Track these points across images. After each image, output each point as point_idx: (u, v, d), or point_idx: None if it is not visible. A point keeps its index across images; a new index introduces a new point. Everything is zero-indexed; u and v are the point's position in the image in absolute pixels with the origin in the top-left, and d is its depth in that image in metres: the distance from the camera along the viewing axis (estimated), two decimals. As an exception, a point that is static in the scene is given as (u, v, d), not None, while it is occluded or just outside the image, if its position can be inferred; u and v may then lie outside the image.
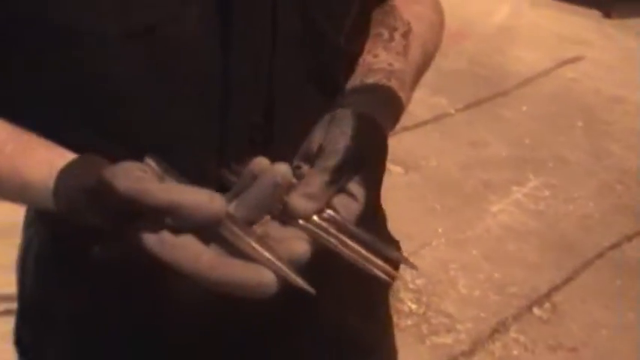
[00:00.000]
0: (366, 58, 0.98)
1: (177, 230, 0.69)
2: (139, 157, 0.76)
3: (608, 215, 3.56)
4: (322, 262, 0.73)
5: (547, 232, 3.42)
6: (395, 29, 1.02)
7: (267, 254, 0.68)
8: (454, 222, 3.45)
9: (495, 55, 5.26)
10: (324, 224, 0.75)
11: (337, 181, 0.78)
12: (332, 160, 0.79)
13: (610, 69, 5.13)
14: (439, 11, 1.14)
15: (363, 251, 0.75)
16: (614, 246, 3.34)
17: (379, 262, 0.74)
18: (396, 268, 0.77)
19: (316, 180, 0.77)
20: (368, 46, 1.00)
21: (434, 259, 3.21)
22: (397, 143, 4.04)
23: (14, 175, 0.82)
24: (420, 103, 4.44)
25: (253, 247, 0.68)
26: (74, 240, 0.86)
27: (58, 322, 1.01)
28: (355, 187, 0.79)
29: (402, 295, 3.00)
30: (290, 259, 0.69)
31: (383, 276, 0.74)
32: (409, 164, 3.88)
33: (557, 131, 4.29)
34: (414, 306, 2.94)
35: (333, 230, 0.75)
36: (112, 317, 0.95)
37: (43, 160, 0.80)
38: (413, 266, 0.79)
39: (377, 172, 0.83)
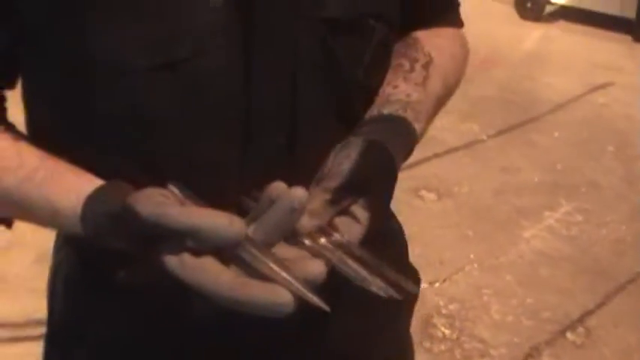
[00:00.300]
0: (386, 89, 1.00)
1: (197, 252, 0.71)
2: (163, 184, 0.79)
3: (640, 240, 3.57)
4: (333, 286, 0.74)
5: (580, 257, 3.43)
6: (416, 60, 1.05)
7: (284, 274, 0.70)
8: (487, 248, 3.47)
9: (525, 82, 5.29)
10: (329, 245, 0.77)
11: (339, 201, 0.80)
12: (334, 181, 0.82)
13: (641, 93, 5.14)
14: (462, 44, 1.17)
15: (364, 272, 0.76)
16: (648, 270, 3.35)
17: (379, 281, 0.76)
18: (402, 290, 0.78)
19: (318, 198, 0.80)
20: (389, 77, 1.03)
21: (467, 284, 3.23)
22: (430, 170, 4.07)
23: (45, 202, 0.85)
24: (451, 130, 4.48)
25: (271, 268, 0.70)
26: (101, 264, 0.89)
27: (85, 346, 1.03)
28: (359, 210, 0.81)
29: (436, 320, 3.02)
30: (306, 278, 0.71)
31: (382, 294, 0.75)
32: (442, 191, 3.91)
33: (589, 156, 4.30)
34: (447, 331, 2.96)
35: (337, 251, 0.77)
36: (138, 341, 0.98)
37: (72, 187, 0.84)
38: (408, 292, 0.78)
39: (383, 197, 0.86)
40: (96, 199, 0.81)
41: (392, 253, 1.12)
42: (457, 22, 1.18)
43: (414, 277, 1.22)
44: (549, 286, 3.23)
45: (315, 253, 0.76)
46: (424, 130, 1.00)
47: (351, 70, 0.95)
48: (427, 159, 4.19)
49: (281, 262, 0.72)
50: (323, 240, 0.77)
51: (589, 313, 3.08)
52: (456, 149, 4.33)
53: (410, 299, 1.23)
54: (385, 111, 0.96)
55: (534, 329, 2.99)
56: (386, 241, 1.12)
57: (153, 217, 0.72)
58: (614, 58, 5.71)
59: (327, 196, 0.81)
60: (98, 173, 0.85)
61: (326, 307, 0.70)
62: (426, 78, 1.03)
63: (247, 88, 0.89)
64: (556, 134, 4.56)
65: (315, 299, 0.70)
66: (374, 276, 0.76)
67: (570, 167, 4.17)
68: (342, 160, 0.85)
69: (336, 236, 0.78)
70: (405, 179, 4.19)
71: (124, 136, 0.88)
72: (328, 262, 0.75)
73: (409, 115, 0.96)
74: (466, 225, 3.65)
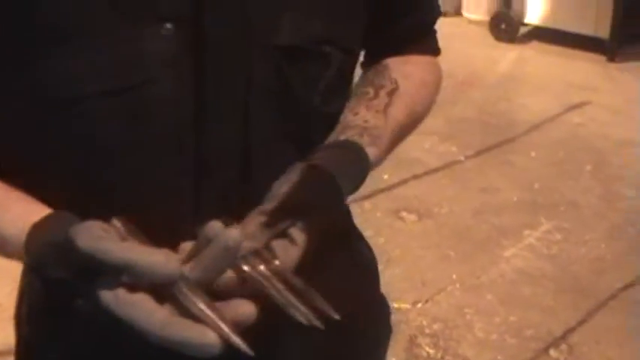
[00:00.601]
0: (347, 116, 1.01)
1: (133, 288, 0.72)
2: (115, 213, 0.80)
3: (620, 257, 3.60)
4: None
5: (560, 275, 3.46)
6: (381, 87, 1.06)
7: (213, 316, 0.72)
8: (468, 267, 3.50)
9: (502, 103, 5.33)
10: (265, 272, 0.78)
11: (274, 223, 0.82)
12: (270, 204, 0.83)
13: (616, 113, 5.19)
14: (433, 71, 1.17)
15: (293, 299, 0.77)
16: (627, 287, 3.37)
17: (303, 309, 0.77)
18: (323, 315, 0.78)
19: (254, 221, 0.82)
20: (352, 104, 1.04)
21: (450, 304, 3.25)
22: (410, 191, 4.10)
23: None
24: (430, 151, 4.52)
25: (201, 309, 0.72)
26: (61, 291, 0.88)
27: None
28: (296, 232, 0.82)
29: (420, 340, 3.04)
30: (236, 320, 0.72)
31: (305, 322, 0.77)
32: (422, 212, 3.93)
33: (567, 176, 4.34)
34: (431, 351, 2.98)
35: (272, 277, 0.78)
36: None
37: (20, 215, 0.84)
38: (331, 316, 0.79)
39: (322, 220, 0.86)
40: (40, 228, 0.81)
41: (363, 283, 1.16)
42: (432, 50, 1.18)
43: (383, 308, 1.22)
44: (531, 305, 3.25)
45: (251, 280, 0.77)
46: (383, 154, 1.01)
47: (307, 97, 0.96)
48: (406, 180, 4.21)
49: (211, 304, 0.73)
50: (261, 267, 0.78)
51: (571, 330, 3.11)
52: (435, 170, 4.36)
53: (386, 331, 1.23)
54: (342, 137, 0.97)
55: (518, 347, 3.01)
56: (356, 271, 1.15)
57: (90, 250, 0.72)
58: (589, 78, 5.77)
59: (263, 219, 0.82)
60: (51, 201, 0.85)
61: (250, 352, 0.71)
62: (387, 105, 1.04)
63: (199, 118, 0.89)
64: (533, 154, 4.60)
65: (239, 342, 0.71)
66: (300, 303, 0.77)
67: (548, 187, 4.21)
68: (281, 185, 0.86)
69: (273, 262, 0.79)
70: (385, 201, 4.23)
71: (76, 164, 0.88)
72: (261, 291, 0.76)
73: (365, 141, 0.97)
74: (447, 245, 3.67)
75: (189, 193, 0.91)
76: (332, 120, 1.01)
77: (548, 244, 3.69)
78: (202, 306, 0.72)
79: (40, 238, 0.80)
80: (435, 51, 1.18)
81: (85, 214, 0.80)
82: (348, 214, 1.15)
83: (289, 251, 0.81)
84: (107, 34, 0.83)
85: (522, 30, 6.54)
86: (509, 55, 6.23)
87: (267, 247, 0.81)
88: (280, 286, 0.78)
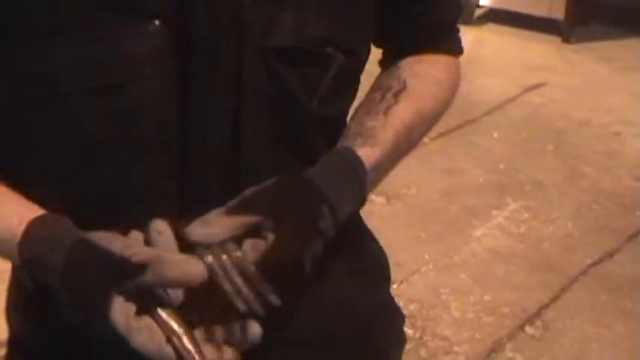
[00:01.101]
0: (349, 124, 0.98)
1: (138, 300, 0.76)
2: (98, 213, 0.84)
3: (587, 234, 3.67)
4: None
5: (531, 253, 3.53)
6: (389, 89, 1.02)
7: (190, 348, 0.76)
8: (440, 248, 3.54)
9: (462, 84, 5.32)
10: (227, 262, 0.80)
11: (234, 213, 0.82)
12: (234, 201, 0.84)
13: (573, 93, 5.27)
14: (450, 70, 1.12)
15: (241, 285, 0.80)
16: (597, 263, 3.45)
17: (247, 296, 0.80)
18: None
19: (213, 212, 0.83)
20: (358, 110, 1.01)
21: (425, 285, 3.29)
22: (378, 174, 4.12)
23: None
24: (395, 134, 4.55)
25: (183, 345, 0.77)
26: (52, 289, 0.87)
27: None
28: (266, 230, 0.82)
29: (399, 320, 3.07)
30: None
31: (244, 309, 0.80)
32: (390, 194, 3.96)
33: (530, 155, 4.41)
34: (410, 331, 3.01)
35: (233, 269, 0.80)
36: None
37: (13, 212, 0.84)
38: (273, 302, 0.81)
39: (296, 222, 0.84)
40: (39, 224, 0.82)
41: (368, 291, 1.11)
42: (452, 49, 1.13)
43: (391, 316, 1.18)
44: (505, 283, 3.31)
45: (208, 269, 0.80)
46: (382, 155, 0.96)
47: (305, 102, 0.92)
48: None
49: (188, 332, 0.77)
50: (224, 257, 0.80)
51: (545, 306, 3.17)
52: (400, 153, 4.39)
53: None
54: (338, 145, 0.95)
55: (494, 325, 3.06)
56: (360, 279, 1.10)
57: (126, 253, 0.76)
58: (545, 59, 5.85)
59: (223, 210, 0.83)
60: (36, 199, 0.86)
61: None
62: (390, 106, 1.00)
63: (184, 120, 0.86)
64: (495, 135, 4.66)
65: None
66: (248, 292, 0.80)
67: (513, 167, 4.27)
68: (254, 188, 0.86)
69: (235, 254, 0.81)
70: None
71: (59, 162, 0.87)
72: (214, 275, 0.80)
73: (357, 143, 0.94)
74: (417, 226, 3.71)
75: (174, 195, 0.89)
76: (331, 124, 0.98)
77: (516, 223, 3.75)
78: (187, 344, 0.77)
79: (38, 235, 0.81)
80: (455, 50, 1.14)
81: (68, 213, 0.82)
82: (351, 220, 1.12)
83: (257, 245, 0.81)
84: (90, 29, 0.82)
85: (477, 12, 6.59)
86: (465, 37, 6.12)
87: (239, 243, 0.82)
88: (235, 275, 0.80)
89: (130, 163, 0.87)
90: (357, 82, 1.02)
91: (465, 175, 4.19)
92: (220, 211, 0.83)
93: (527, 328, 3.06)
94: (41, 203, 0.85)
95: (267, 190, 0.85)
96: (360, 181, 0.91)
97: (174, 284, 0.77)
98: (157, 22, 0.83)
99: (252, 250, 0.81)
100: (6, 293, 1.07)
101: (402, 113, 1.00)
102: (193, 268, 0.77)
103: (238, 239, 0.82)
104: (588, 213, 3.85)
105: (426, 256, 3.48)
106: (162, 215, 0.84)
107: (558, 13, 6.11)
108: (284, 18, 0.88)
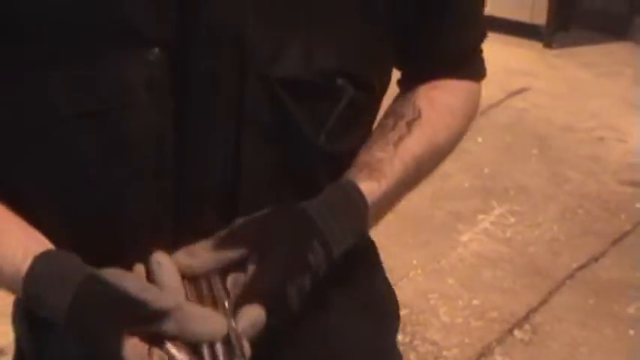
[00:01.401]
0: (360, 153, 0.95)
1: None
2: (92, 242, 0.83)
3: (572, 238, 3.69)
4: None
5: (517, 257, 3.54)
6: (402, 117, 0.98)
7: None
8: (428, 253, 3.55)
9: (445, 90, 5.38)
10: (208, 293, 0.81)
11: (221, 246, 0.82)
12: (223, 231, 0.84)
13: (556, 98, 5.29)
14: (467, 98, 1.07)
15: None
16: (583, 267, 3.47)
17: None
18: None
19: (200, 244, 0.83)
20: (371, 137, 0.97)
21: (413, 290, 3.30)
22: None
23: None
24: (380, 140, 4.55)
25: None
26: None
27: None
28: (250, 264, 0.82)
29: (389, 326, 3.08)
30: None
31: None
32: (377, 200, 3.96)
33: (515, 160, 4.43)
34: (400, 336, 3.01)
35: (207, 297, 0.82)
36: None
37: (19, 243, 0.83)
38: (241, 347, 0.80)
39: (283, 255, 0.82)
40: (46, 260, 0.81)
41: (370, 327, 1.10)
42: (473, 75, 1.08)
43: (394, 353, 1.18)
44: (492, 287, 3.33)
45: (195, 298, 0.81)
46: (388, 188, 0.93)
47: (311, 136, 0.88)
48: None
49: None
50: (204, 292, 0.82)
51: (533, 310, 3.19)
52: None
53: None
54: (344, 176, 0.92)
55: (483, 329, 3.08)
56: (364, 312, 1.09)
57: (142, 295, 0.77)
58: (527, 64, 5.87)
59: (210, 242, 0.83)
60: (34, 224, 0.86)
61: None
62: (402, 137, 0.96)
63: (180, 151, 0.84)
64: (480, 139, 4.67)
65: None
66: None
67: (498, 171, 4.28)
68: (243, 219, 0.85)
69: (215, 289, 0.82)
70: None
71: (56, 185, 0.86)
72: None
73: (361, 176, 0.91)
74: (405, 232, 3.72)
75: (168, 227, 0.88)
76: (338, 160, 0.93)
77: (502, 227, 3.77)
78: None
79: (45, 272, 0.81)
80: (476, 75, 1.09)
81: (65, 238, 0.83)
82: (363, 254, 1.09)
83: (239, 279, 0.82)
84: (90, 56, 0.81)
85: (460, 18, 6.59)
86: (448, 42, 6.28)
87: (224, 275, 0.83)
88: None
89: (125, 190, 0.86)
90: (372, 116, 0.98)
91: (451, 180, 4.20)
92: (208, 242, 0.83)
93: (516, 332, 3.07)
94: (40, 226, 0.85)
95: (258, 220, 0.84)
96: (360, 216, 0.89)
97: (196, 338, 0.77)
98: (156, 50, 0.81)
99: (233, 286, 0.81)
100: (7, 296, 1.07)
101: (414, 146, 0.97)
102: (217, 326, 0.77)
103: (224, 271, 0.83)
104: (574, 217, 3.87)
105: (414, 262, 3.49)
106: (157, 244, 0.84)
107: (540, 18, 6.13)
108: (292, 44, 0.84)
